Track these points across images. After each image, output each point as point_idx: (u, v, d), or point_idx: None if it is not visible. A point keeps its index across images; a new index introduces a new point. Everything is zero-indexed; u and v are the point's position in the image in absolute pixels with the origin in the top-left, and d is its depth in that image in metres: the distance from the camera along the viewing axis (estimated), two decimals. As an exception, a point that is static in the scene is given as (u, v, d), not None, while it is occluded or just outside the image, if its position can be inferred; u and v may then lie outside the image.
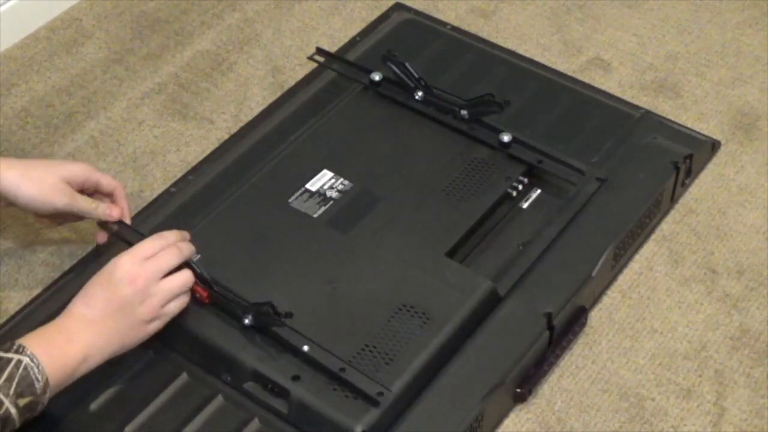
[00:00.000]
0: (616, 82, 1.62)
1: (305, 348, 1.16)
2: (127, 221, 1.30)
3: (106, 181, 1.28)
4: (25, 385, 1.03)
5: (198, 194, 1.38)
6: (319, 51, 1.59)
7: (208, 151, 1.50)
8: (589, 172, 1.39)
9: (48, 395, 1.06)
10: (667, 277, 1.38)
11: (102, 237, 1.31)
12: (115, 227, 1.28)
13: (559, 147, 1.42)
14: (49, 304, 1.27)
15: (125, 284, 1.12)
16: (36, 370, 1.04)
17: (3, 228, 1.40)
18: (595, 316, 1.33)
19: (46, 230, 1.39)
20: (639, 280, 1.37)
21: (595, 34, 1.70)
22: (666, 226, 1.43)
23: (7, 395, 1.02)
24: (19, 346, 1.05)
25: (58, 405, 1.16)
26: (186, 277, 1.17)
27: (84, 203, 1.25)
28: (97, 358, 1.11)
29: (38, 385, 1.04)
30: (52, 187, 1.23)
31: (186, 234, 1.22)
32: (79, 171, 1.26)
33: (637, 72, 1.64)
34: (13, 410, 1.02)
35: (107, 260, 1.30)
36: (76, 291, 1.27)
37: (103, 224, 1.29)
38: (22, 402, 1.03)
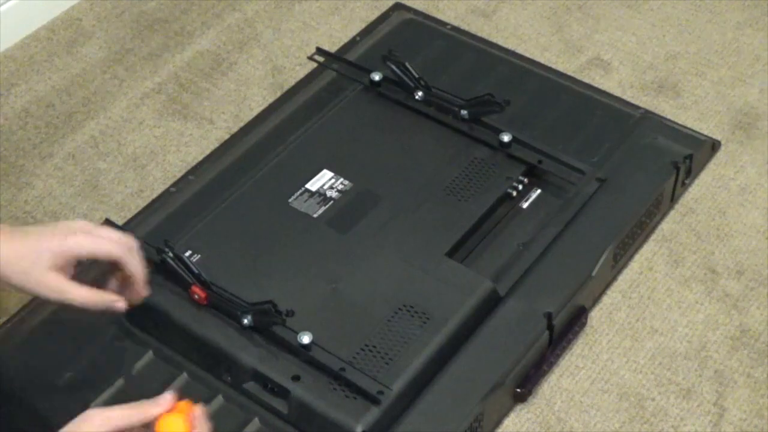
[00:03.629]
0: (616, 82, 1.62)
1: (305, 339, 1.16)
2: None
3: (104, 255, 1.08)
4: None
5: (198, 194, 1.38)
6: (319, 51, 1.59)
7: (208, 151, 1.50)
8: (589, 172, 1.39)
9: None
10: (667, 277, 1.38)
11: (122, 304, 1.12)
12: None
13: (559, 147, 1.42)
14: (48, 305, 1.27)
15: None
16: None
17: (3, 228, 1.41)
18: (595, 316, 1.33)
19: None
20: (639, 280, 1.37)
21: (595, 34, 1.70)
22: (666, 226, 1.43)
23: None
24: None
25: (58, 405, 1.16)
26: None
27: (79, 295, 1.07)
28: None
29: None
30: (39, 281, 1.06)
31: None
32: (76, 249, 1.06)
33: (637, 72, 1.64)
34: None
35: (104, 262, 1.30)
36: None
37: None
38: None
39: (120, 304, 1.10)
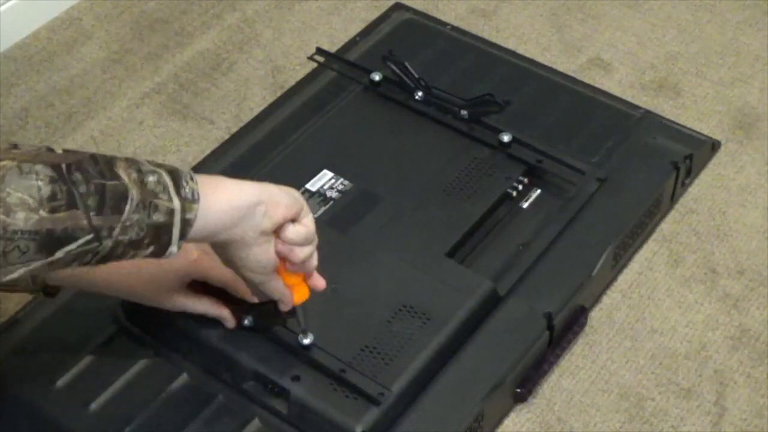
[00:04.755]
0: (616, 82, 1.62)
1: (305, 340, 1.16)
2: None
3: (213, 280, 1.17)
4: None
5: (198, 194, 1.38)
6: (319, 51, 1.59)
7: (208, 151, 1.50)
8: (589, 172, 1.39)
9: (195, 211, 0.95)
10: (667, 277, 1.38)
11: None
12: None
13: (559, 147, 1.42)
14: (48, 305, 1.27)
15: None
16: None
17: (3, 228, 1.41)
18: (595, 316, 1.33)
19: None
20: (639, 280, 1.37)
21: (595, 34, 1.70)
22: (666, 226, 1.43)
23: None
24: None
25: (58, 405, 1.16)
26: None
27: (197, 310, 1.17)
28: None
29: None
30: (162, 302, 1.16)
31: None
32: (183, 275, 1.15)
33: (637, 72, 1.64)
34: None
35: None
36: (75, 291, 1.28)
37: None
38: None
39: (229, 323, 1.18)
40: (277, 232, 1.05)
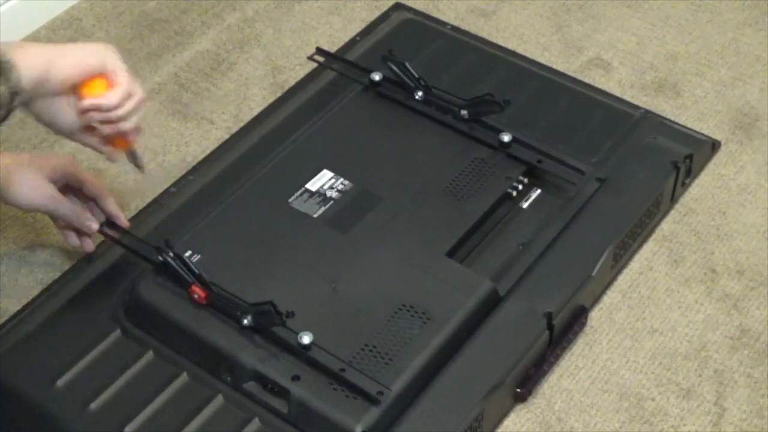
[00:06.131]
0: (616, 82, 1.62)
1: (305, 339, 1.16)
2: (122, 223, 1.30)
3: (89, 184, 1.29)
4: None
5: (198, 194, 1.38)
6: (319, 51, 1.59)
7: (208, 151, 1.50)
8: (589, 172, 1.39)
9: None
10: (667, 277, 1.38)
11: (90, 246, 1.31)
12: (109, 231, 1.29)
13: (559, 147, 1.42)
14: (48, 305, 1.27)
15: None
16: None
17: (3, 228, 1.41)
18: (595, 316, 1.33)
19: (46, 230, 1.39)
20: (639, 280, 1.37)
21: (595, 34, 1.70)
22: (666, 226, 1.43)
23: None
24: None
25: (58, 405, 1.17)
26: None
27: (67, 210, 1.26)
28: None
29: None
30: (38, 189, 1.23)
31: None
32: (62, 167, 1.27)
33: (637, 72, 1.64)
34: None
35: (104, 262, 1.31)
36: (75, 291, 1.28)
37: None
38: None
39: (93, 224, 1.28)
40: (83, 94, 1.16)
